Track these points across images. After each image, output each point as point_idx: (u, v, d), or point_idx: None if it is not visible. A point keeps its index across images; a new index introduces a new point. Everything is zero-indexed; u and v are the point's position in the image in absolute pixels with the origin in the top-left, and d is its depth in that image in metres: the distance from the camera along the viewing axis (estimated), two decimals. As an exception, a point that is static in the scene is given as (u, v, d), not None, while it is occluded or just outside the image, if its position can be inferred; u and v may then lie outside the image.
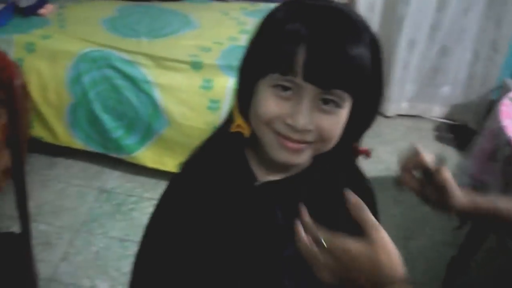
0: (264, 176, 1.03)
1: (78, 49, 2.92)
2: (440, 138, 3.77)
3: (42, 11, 3.23)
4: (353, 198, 0.86)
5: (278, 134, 0.91)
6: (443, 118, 4.01)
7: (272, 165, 1.00)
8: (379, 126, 3.75)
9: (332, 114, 0.89)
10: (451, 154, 3.45)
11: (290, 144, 0.91)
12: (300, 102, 0.87)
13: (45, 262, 2.48)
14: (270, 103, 0.90)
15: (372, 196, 1.08)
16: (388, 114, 3.98)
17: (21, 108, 1.78)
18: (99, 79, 2.91)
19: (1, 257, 1.74)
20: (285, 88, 0.88)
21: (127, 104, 2.92)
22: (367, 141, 1.09)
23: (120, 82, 2.90)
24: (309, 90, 0.86)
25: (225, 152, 1.05)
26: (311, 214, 0.98)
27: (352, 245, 0.85)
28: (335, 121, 0.91)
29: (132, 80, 2.88)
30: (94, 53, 2.91)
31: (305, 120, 0.87)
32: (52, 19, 3.21)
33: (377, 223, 0.85)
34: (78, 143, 3.08)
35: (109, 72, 2.90)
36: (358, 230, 0.90)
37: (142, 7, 3.49)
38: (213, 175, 1.06)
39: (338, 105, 0.89)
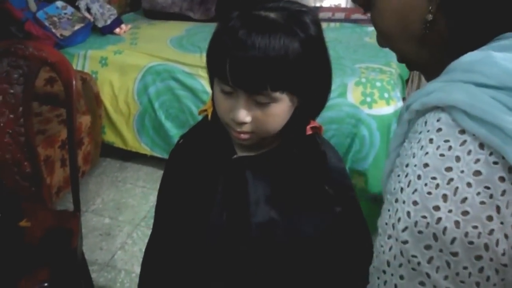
0: (242, 152, 1.22)
1: (145, 63, 3.25)
2: None
3: (117, 30, 3.61)
4: None
5: (227, 125, 1.10)
6: None
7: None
8: None
9: (266, 107, 1.04)
10: None
11: (235, 134, 1.09)
12: (237, 99, 1.04)
13: (104, 250, 2.77)
14: (219, 100, 1.08)
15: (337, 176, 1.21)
16: None
17: (75, 106, 2.07)
18: (162, 89, 3.22)
19: (55, 232, 2.01)
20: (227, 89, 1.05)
21: (187, 112, 3.20)
22: None
23: (181, 92, 3.19)
24: (242, 91, 1.03)
25: (214, 131, 1.23)
26: (277, 185, 1.17)
27: None
28: (269, 114, 1.05)
29: (192, 91, 3.16)
30: (159, 66, 3.22)
31: (241, 114, 1.04)
32: (126, 37, 3.59)
33: None
34: (145, 149, 3.39)
35: (172, 83, 3.20)
36: (315, 203, 1.07)
37: (209, 27, 3.70)
38: (201, 148, 1.26)
39: (270, 101, 1.03)
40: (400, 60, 0.83)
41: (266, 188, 1.16)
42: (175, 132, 3.25)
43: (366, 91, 2.84)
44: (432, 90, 0.64)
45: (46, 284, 1.75)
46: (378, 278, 0.66)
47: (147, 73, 3.23)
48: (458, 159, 0.58)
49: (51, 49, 2.12)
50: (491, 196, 0.57)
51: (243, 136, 1.08)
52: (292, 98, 1.06)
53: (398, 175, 0.64)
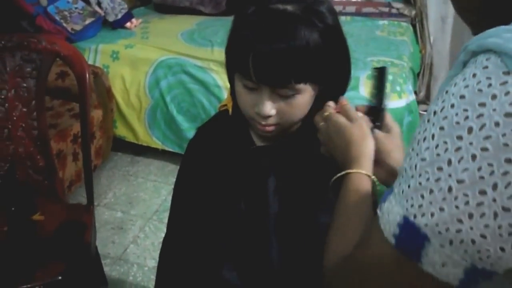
0: (260, 143, 1.22)
1: (156, 57, 3.26)
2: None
3: (128, 24, 3.61)
4: (342, 100, 1.06)
5: (252, 119, 1.11)
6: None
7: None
8: None
9: (290, 99, 1.06)
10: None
11: (260, 127, 1.10)
12: (261, 94, 1.06)
13: (116, 244, 2.77)
14: (241, 96, 1.09)
15: None
16: None
17: (89, 98, 2.07)
18: (174, 83, 3.22)
19: (69, 226, 2.01)
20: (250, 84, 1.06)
21: (199, 106, 3.20)
22: None
23: (193, 86, 3.19)
24: (265, 86, 1.04)
25: (232, 122, 1.24)
26: (295, 175, 1.17)
27: (342, 120, 1.02)
28: (294, 105, 1.07)
29: (203, 85, 3.17)
30: (170, 60, 3.22)
31: (266, 108, 1.05)
32: (137, 32, 3.59)
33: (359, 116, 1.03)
34: (156, 143, 3.39)
35: (183, 77, 3.20)
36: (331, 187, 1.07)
37: (220, 21, 3.75)
38: (220, 139, 1.26)
39: (294, 93, 1.05)
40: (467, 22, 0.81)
41: (285, 178, 1.16)
42: (186, 126, 3.25)
43: (378, 85, 2.82)
44: (492, 34, 0.62)
45: (60, 278, 1.75)
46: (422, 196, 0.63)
47: (158, 67, 3.23)
48: (494, 97, 0.58)
49: (64, 43, 2.12)
50: None
51: (268, 128, 1.10)
52: (315, 87, 1.08)
53: (437, 98, 0.65)
